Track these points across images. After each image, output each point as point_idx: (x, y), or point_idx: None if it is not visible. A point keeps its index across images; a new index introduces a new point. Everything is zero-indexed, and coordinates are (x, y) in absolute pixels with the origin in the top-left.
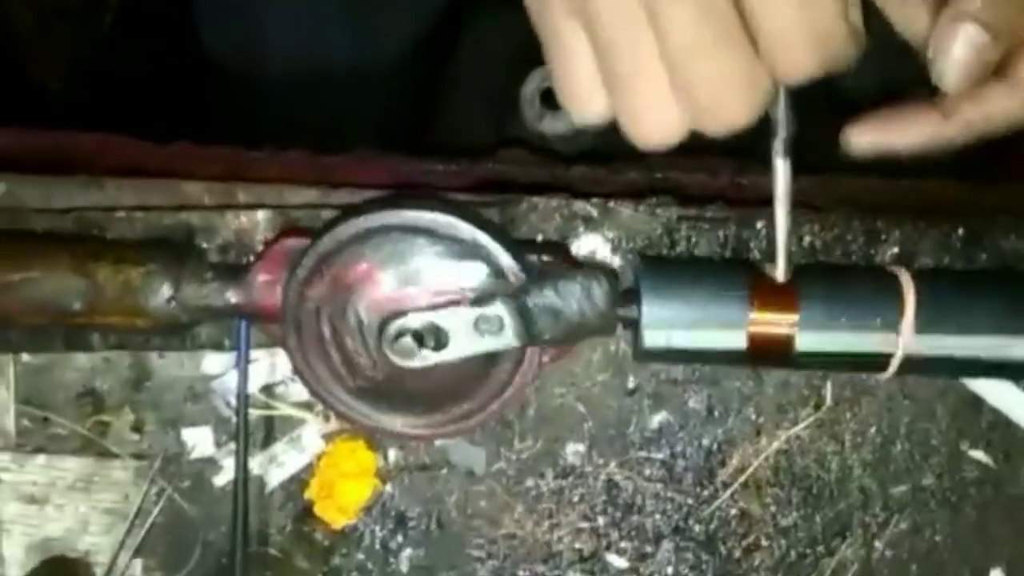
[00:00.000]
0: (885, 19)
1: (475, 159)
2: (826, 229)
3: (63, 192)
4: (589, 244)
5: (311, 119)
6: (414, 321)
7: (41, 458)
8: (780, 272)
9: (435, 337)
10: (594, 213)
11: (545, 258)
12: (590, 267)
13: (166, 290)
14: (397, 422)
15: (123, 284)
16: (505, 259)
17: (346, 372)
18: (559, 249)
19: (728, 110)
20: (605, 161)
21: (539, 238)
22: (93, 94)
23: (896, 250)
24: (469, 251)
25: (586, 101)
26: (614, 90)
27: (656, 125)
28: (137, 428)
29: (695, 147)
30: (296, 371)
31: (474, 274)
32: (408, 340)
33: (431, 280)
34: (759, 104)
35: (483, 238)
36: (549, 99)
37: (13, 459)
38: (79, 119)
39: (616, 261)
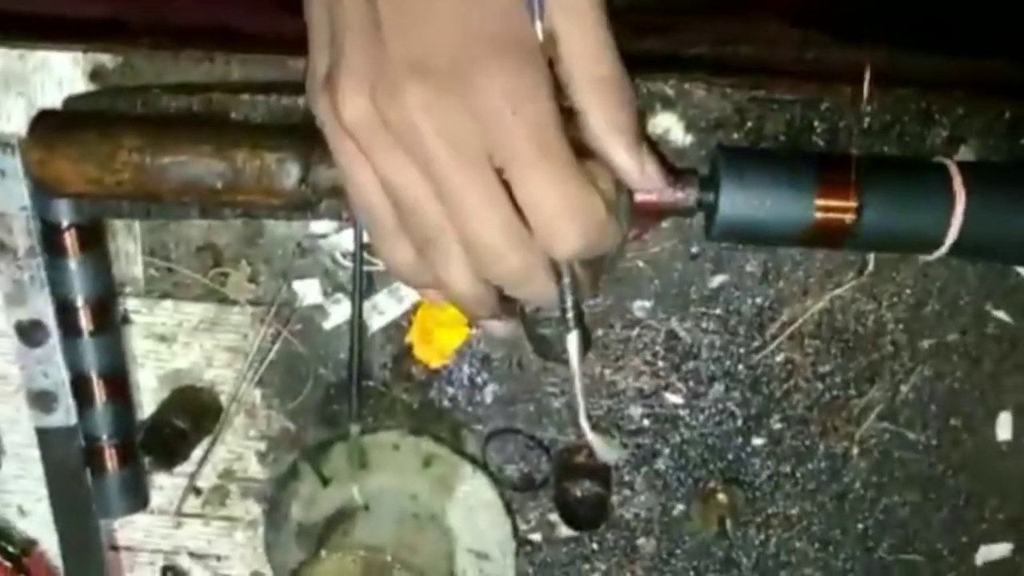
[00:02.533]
0: None
1: None
2: (884, 111)
3: (176, 67)
4: (664, 123)
5: None
6: None
7: (168, 303)
8: (586, 430)
9: None
10: (670, 93)
11: None
12: (672, 164)
13: (298, 172)
14: None
15: (259, 168)
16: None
17: None
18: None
19: (526, 288)
20: (675, 34)
21: None
22: None
23: (947, 132)
24: None
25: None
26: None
27: (458, 280)
28: (252, 279)
29: (761, 16)
30: None
31: None
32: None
33: None
34: (543, 278)
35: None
36: None
37: (143, 303)
38: None
39: (688, 139)
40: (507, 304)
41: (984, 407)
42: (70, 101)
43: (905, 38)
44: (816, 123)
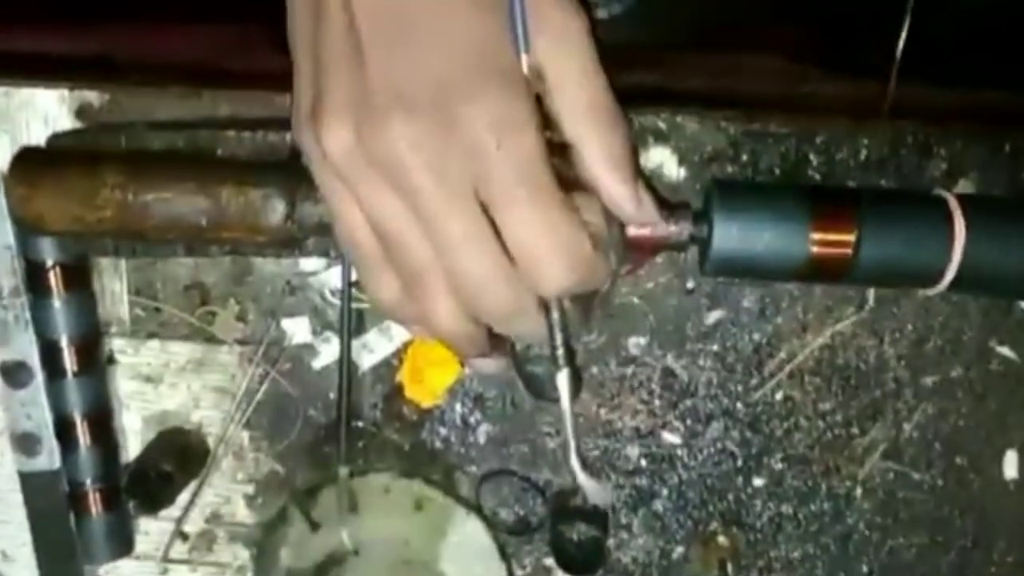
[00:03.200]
0: None
1: None
2: (881, 144)
3: (163, 103)
4: (657, 156)
5: None
6: None
7: (154, 342)
8: (576, 471)
9: None
10: (663, 127)
11: None
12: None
13: (283, 209)
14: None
15: (244, 204)
16: None
17: None
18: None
19: (514, 324)
20: (669, 68)
21: None
22: None
23: (945, 165)
24: None
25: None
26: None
27: (445, 316)
28: (241, 318)
29: (756, 51)
30: None
31: None
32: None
33: None
34: (531, 314)
35: None
36: None
37: (128, 343)
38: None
39: (682, 173)
40: (497, 341)
41: (990, 445)
42: (54, 139)
43: (902, 71)
44: (812, 156)
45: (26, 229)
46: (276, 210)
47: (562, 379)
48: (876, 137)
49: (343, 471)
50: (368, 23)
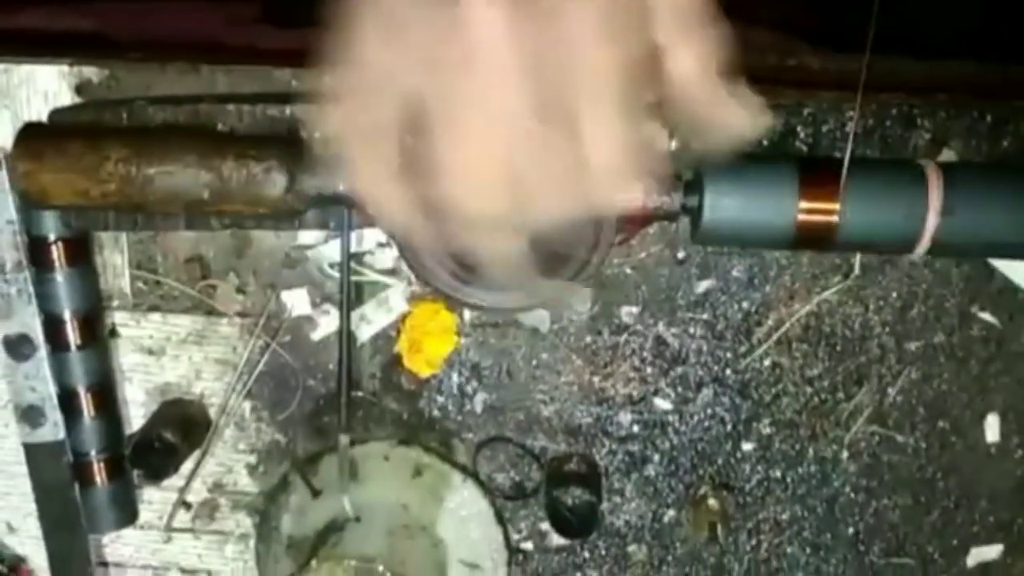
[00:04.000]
0: None
1: None
2: (867, 116)
3: (162, 79)
4: (649, 129)
5: None
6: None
7: (156, 315)
8: None
9: None
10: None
11: None
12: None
13: (284, 182)
14: (490, 298)
15: (246, 177)
16: None
17: (449, 261)
18: None
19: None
20: None
21: None
22: None
23: (929, 135)
24: None
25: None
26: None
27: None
28: (241, 290)
29: (745, 23)
30: (404, 258)
31: None
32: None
33: None
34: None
35: None
36: None
37: (131, 316)
38: None
39: (674, 145)
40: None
41: (972, 409)
42: (55, 114)
43: (887, 44)
44: (799, 128)
45: (31, 203)
46: (277, 183)
47: None
48: (861, 109)
49: (343, 439)
50: None
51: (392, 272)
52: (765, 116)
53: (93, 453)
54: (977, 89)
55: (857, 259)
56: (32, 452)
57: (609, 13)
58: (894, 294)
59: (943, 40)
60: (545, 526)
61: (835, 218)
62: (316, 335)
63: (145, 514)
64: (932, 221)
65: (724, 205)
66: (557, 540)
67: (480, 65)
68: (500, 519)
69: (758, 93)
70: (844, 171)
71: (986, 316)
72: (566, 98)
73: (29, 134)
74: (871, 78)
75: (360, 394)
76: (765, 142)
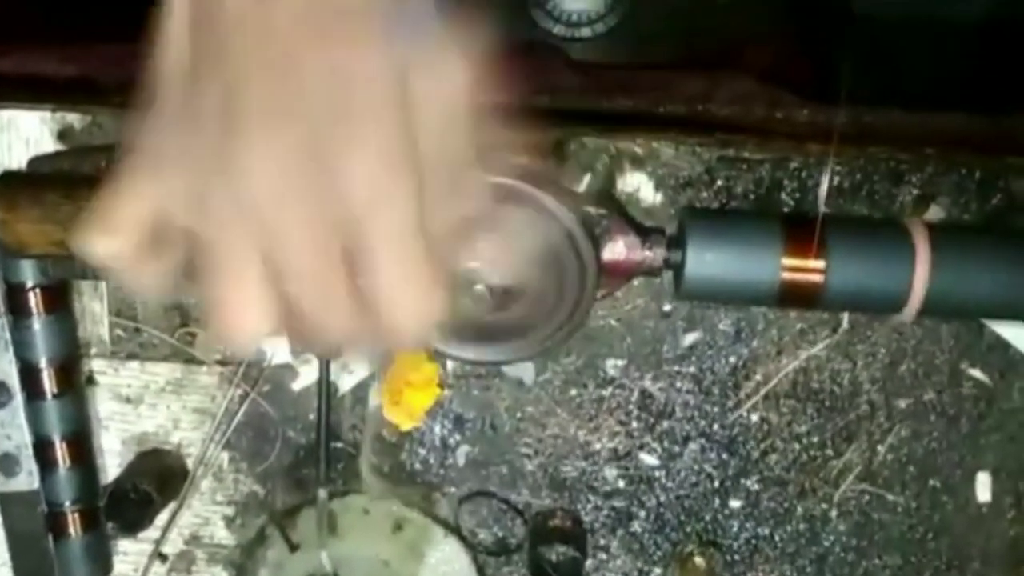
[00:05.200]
0: None
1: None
2: (854, 170)
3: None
4: (633, 181)
5: None
6: (489, 276)
7: (134, 363)
8: None
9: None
10: (639, 152)
11: (601, 211)
12: (640, 224)
13: None
14: (474, 352)
15: None
16: (568, 220)
17: None
18: (613, 203)
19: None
20: (646, 92)
21: (588, 177)
22: None
23: (917, 191)
24: (538, 210)
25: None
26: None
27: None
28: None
29: (733, 72)
30: None
31: (539, 229)
32: (482, 288)
33: (503, 233)
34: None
35: (550, 202)
36: None
37: (109, 364)
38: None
39: (659, 198)
40: None
41: (963, 468)
42: (35, 161)
43: (874, 96)
44: (785, 182)
45: (9, 253)
46: None
47: None
48: (848, 163)
49: (322, 493)
50: (243, 26)
51: None
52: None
53: (67, 504)
54: (967, 143)
55: (846, 314)
56: (6, 501)
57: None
58: (883, 350)
59: (933, 92)
60: None
61: (820, 277)
62: (296, 385)
63: (120, 566)
64: (920, 283)
65: (707, 261)
66: None
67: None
68: (482, 575)
69: (744, 144)
70: (817, 226)
71: (976, 373)
72: (351, 241)
73: (5, 183)
74: (858, 131)
75: (340, 446)
76: (751, 196)
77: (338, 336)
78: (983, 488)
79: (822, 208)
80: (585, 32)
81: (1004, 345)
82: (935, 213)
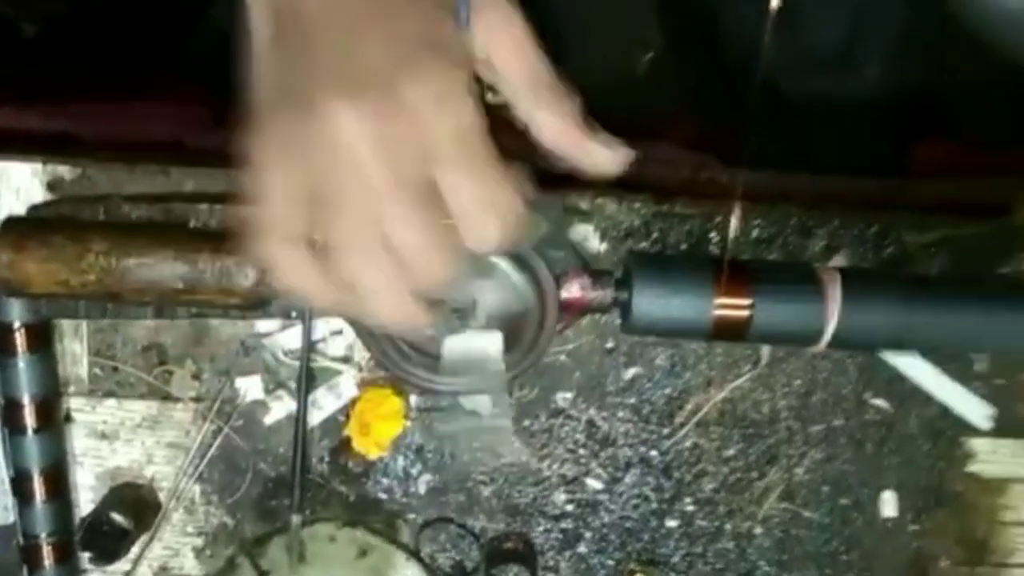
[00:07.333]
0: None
1: None
2: (770, 224)
3: (132, 178)
4: (582, 232)
5: None
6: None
7: (111, 401)
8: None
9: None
10: (586, 207)
11: (559, 255)
12: (591, 267)
13: (254, 274)
14: (438, 381)
15: (220, 269)
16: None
17: (404, 346)
18: (568, 248)
19: (434, 271)
20: None
21: (545, 226)
22: (69, 40)
23: (824, 242)
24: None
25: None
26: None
27: (388, 303)
28: (196, 376)
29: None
30: (361, 340)
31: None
32: (454, 318)
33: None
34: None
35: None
36: None
37: (86, 402)
38: (54, 64)
39: (603, 246)
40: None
41: (869, 487)
42: (34, 209)
43: (787, 161)
44: (712, 234)
45: (12, 292)
46: (248, 275)
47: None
48: (765, 219)
49: (296, 519)
50: (318, 15)
51: (344, 359)
52: (623, 149)
53: (43, 536)
54: (865, 202)
55: (765, 350)
56: None
57: (445, 88)
58: (798, 382)
59: (835, 158)
60: None
61: (748, 312)
62: (268, 419)
63: None
64: (832, 318)
65: (650, 299)
66: None
67: (352, 171)
68: None
69: (675, 201)
70: (724, 264)
71: (879, 402)
72: (431, 168)
73: (14, 226)
74: (774, 192)
75: (309, 476)
76: (683, 245)
77: (441, 272)
78: (888, 505)
79: (727, 251)
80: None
81: (901, 377)
82: (838, 261)
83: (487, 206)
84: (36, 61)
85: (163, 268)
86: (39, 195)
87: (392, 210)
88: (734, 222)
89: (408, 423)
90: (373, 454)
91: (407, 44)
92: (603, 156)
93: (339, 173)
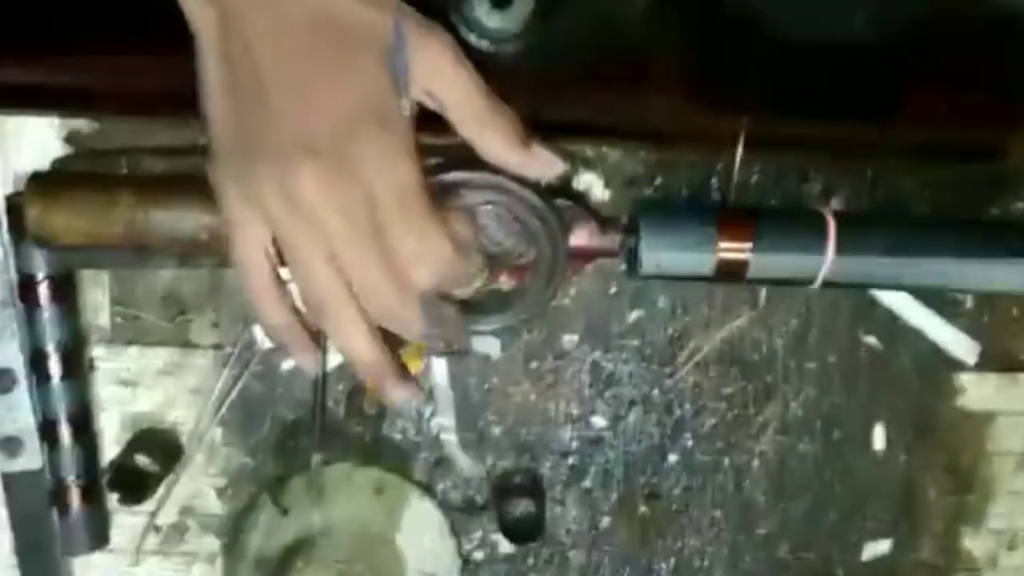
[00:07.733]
0: None
1: None
2: (769, 170)
3: (149, 132)
4: (586, 180)
5: None
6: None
7: (133, 349)
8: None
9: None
10: (591, 155)
11: (567, 203)
12: (599, 214)
13: None
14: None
15: None
16: (543, 209)
17: None
18: (574, 197)
19: (402, 324)
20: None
21: None
22: None
23: (820, 187)
24: (518, 200)
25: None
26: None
27: (352, 333)
28: (216, 324)
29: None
30: None
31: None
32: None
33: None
34: (415, 312)
35: (529, 194)
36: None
37: (108, 350)
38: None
39: (607, 194)
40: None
41: (861, 421)
42: (58, 163)
43: (783, 106)
44: (713, 180)
45: (41, 244)
46: None
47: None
48: (764, 165)
49: (316, 458)
50: (271, 76)
51: None
52: (557, 157)
53: (71, 478)
54: (862, 147)
55: (763, 292)
56: (9, 481)
57: (385, 149)
58: (794, 321)
59: (827, 102)
60: (494, 537)
61: (749, 256)
62: (285, 366)
63: (116, 538)
64: (828, 259)
65: (657, 245)
66: (505, 549)
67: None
68: (454, 530)
69: (677, 150)
70: (726, 209)
71: (871, 340)
72: (378, 221)
73: (42, 179)
74: (772, 137)
75: (326, 419)
76: (684, 191)
77: (383, 303)
78: (878, 438)
79: (732, 196)
80: (508, 48)
81: (892, 316)
82: (835, 204)
83: (420, 256)
84: (46, 12)
85: (188, 219)
86: (57, 150)
87: (347, 251)
88: (737, 164)
89: (422, 365)
90: None
91: (353, 109)
92: (541, 167)
93: (298, 222)
